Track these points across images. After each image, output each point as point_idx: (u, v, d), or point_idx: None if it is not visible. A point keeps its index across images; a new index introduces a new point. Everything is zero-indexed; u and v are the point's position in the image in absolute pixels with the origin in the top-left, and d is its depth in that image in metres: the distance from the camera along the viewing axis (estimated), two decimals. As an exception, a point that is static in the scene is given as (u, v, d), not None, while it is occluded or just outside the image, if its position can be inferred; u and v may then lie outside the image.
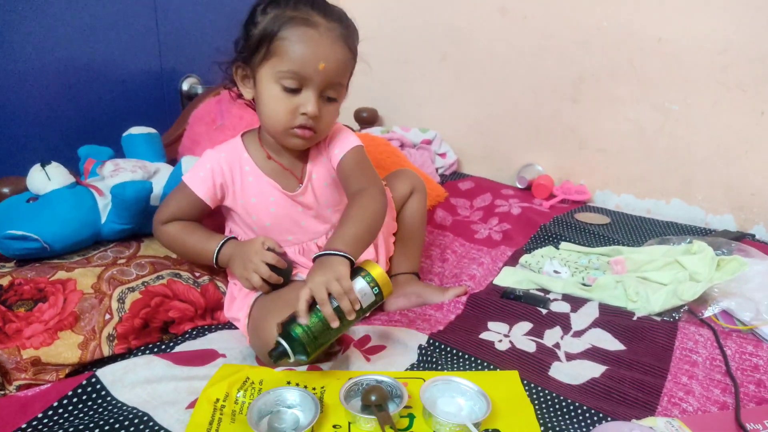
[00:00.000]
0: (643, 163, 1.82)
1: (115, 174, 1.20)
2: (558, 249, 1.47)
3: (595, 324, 1.13)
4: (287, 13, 0.93)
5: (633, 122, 1.80)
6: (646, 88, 1.75)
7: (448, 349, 1.02)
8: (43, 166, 1.13)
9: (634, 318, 1.15)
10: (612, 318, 1.15)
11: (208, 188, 1.04)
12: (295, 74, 0.93)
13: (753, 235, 1.59)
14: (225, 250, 1.02)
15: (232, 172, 1.05)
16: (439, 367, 0.96)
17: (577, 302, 1.22)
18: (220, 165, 1.05)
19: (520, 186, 1.96)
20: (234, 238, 1.07)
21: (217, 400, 0.81)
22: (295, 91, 0.95)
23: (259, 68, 0.96)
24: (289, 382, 0.86)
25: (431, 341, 1.03)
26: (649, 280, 1.26)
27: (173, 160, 1.41)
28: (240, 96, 1.06)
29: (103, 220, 1.14)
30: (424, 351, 1.00)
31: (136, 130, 1.38)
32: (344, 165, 1.05)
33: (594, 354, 1.04)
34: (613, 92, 1.80)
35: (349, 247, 0.89)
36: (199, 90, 1.72)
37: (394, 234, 1.28)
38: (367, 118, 2.16)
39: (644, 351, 1.05)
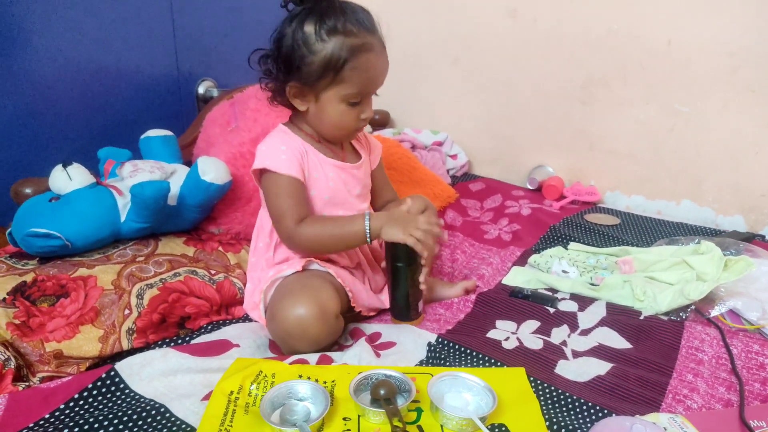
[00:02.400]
0: (653, 164, 1.83)
1: (133, 174, 1.23)
2: (567, 249, 1.48)
3: (602, 323, 1.14)
4: (347, 42, 0.99)
5: (643, 124, 1.80)
6: (656, 90, 1.75)
7: (457, 346, 1.04)
8: (64, 166, 1.16)
9: (641, 317, 1.16)
10: (619, 317, 1.16)
11: (298, 165, 1.08)
12: (361, 94, 1.05)
13: (763, 236, 1.60)
14: (374, 224, 1.06)
15: (299, 149, 1.10)
16: (447, 364, 0.98)
17: (584, 301, 1.23)
18: (291, 143, 1.09)
19: (530, 187, 1.97)
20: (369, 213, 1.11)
21: (231, 392, 0.84)
22: (357, 103, 1.07)
23: (325, 91, 1.04)
24: (300, 376, 0.88)
25: (440, 339, 1.05)
26: (656, 280, 1.26)
27: (189, 162, 1.44)
28: (274, 98, 1.11)
29: (123, 219, 1.18)
30: (432, 348, 1.02)
31: (153, 132, 1.41)
32: (378, 170, 1.27)
33: (600, 352, 1.05)
34: (622, 94, 1.81)
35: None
36: (215, 93, 1.74)
37: None
38: (378, 121, 2.18)
39: (650, 349, 1.06)
